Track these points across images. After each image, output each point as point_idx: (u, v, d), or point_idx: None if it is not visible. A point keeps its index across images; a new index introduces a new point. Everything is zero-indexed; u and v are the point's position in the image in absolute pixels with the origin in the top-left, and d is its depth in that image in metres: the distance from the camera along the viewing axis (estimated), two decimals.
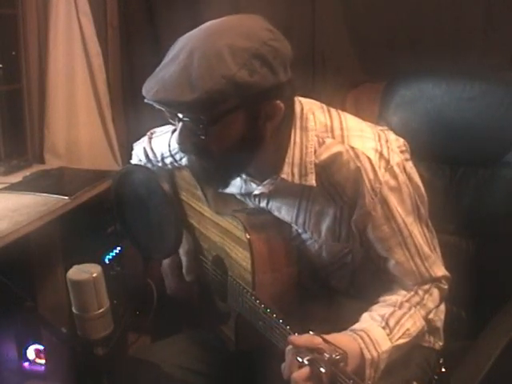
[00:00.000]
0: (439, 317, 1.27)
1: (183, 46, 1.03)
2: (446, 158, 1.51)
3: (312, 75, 2.14)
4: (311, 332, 0.96)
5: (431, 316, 1.22)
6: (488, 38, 1.93)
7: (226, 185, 1.23)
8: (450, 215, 1.43)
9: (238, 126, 1.05)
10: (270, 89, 1.03)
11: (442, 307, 1.28)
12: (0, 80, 2.27)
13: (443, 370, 0.79)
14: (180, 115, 1.05)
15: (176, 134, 1.09)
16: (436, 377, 0.80)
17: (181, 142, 1.09)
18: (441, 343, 1.27)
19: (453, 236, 1.46)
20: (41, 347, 2.08)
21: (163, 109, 1.06)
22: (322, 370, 0.89)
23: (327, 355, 0.90)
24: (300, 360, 0.92)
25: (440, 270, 1.19)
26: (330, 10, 2.13)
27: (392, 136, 1.17)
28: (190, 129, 1.06)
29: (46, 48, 2.26)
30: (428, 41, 2.00)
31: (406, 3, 2.01)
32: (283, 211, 1.21)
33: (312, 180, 1.13)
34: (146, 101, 1.05)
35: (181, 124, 1.07)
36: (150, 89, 1.04)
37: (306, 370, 0.92)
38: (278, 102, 1.06)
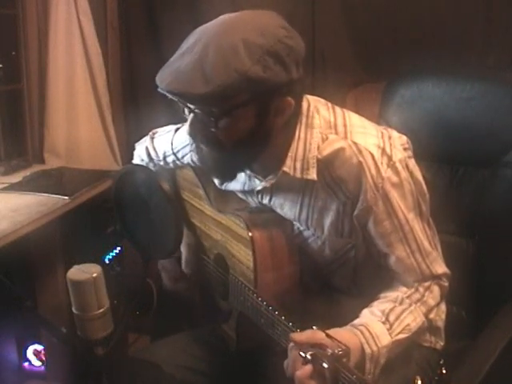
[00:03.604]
0: (440, 316, 1.27)
1: (198, 38, 1.04)
2: (447, 158, 1.51)
3: (312, 75, 2.14)
4: (314, 327, 0.96)
5: (432, 315, 1.22)
6: (488, 38, 1.93)
7: (233, 177, 1.24)
8: (450, 215, 1.43)
9: (247, 120, 1.07)
10: (281, 85, 1.05)
11: (443, 307, 1.28)
12: (0, 80, 2.27)
13: (444, 371, 0.79)
14: (191, 106, 1.07)
15: (186, 124, 1.11)
16: (436, 377, 0.80)
17: (191, 132, 1.11)
18: (442, 343, 1.27)
19: (453, 236, 1.46)
20: (41, 347, 2.08)
21: (175, 99, 1.07)
22: (325, 365, 0.89)
23: (330, 351, 0.91)
24: (303, 355, 0.93)
25: (441, 267, 1.19)
26: (330, 10, 2.13)
27: (395, 133, 1.18)
28: (201, 120, 1.07)
29: (46, 48, 2.26)
30: (428, 41, 1.99)
31: (406, 3, 2.01)
32: (286, 208, 1.21)
33: (313, 174, 1.14)
34: (158, 90, 1.06)
35: (192, 115, 1.08)
36: (163, 79, 1.05)
37: (309, 368, 0.92)
38: (289, 98, 1.08)
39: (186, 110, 1.10)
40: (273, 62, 1.02)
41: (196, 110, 1.07)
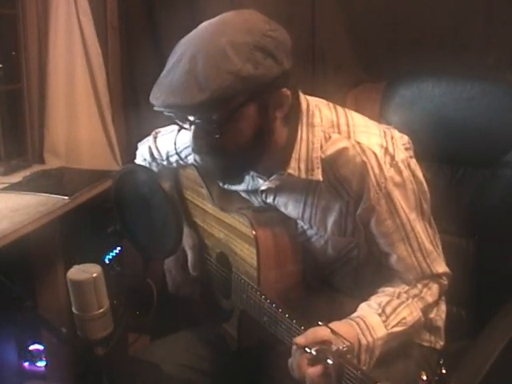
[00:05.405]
0: (440, 316, 1.27)
1: (184, 50, 1.04)
2: (447, 158, 1.51)
3: (312, 75, 2.14)
4: (320, 323, 0.97)
5: (432, 315, 1.22)
6: (488, 38, 1.93)
7: (241, 180, 1.24)
8: (450, 215, 1.43)
9: (249, 119, 1.07)
10: (275, 78, 1.05)
11: (443, 307, 1.29)
12: (0, 80, 2.27)
13: (444, 371, 0.79)
14: (191, 118, 1.07)
15: (190, 137, 1.10)
16: (436, 377, 0.80)
17: (195, 144, 1.10)
18: (442, 343, 1.27)
19: (453, 236, 1.46)
20: (41, 347, 2.08)
21: (173, 114, 1.07)
22: (330, 361, 0.90)
23: (335, 347, 0.91)
24: (308, 350, 0.93)
25: (441, 267, 1.20)
26: (330, 9, 2.13)
27: (397, 133, 1.19)
28: (204, 130, 1.07)
29: (46, 48, 2.26)
30: (428, 41, 2.00)
31: (406, 3, 2.01)
32: (289, 207, 1.22)
33: (318, 175, 1.14)
34: (155, 108, 1.06)
35: (193, 127, 1.08)
36: (157, 97, 1.04)
37: (320, 367, 0.92)
38: (285, 89, 1.08)
39: (187, 124, 1.09)
40: (262, 57, 1.02)
41: (197, 121, 1.07)
